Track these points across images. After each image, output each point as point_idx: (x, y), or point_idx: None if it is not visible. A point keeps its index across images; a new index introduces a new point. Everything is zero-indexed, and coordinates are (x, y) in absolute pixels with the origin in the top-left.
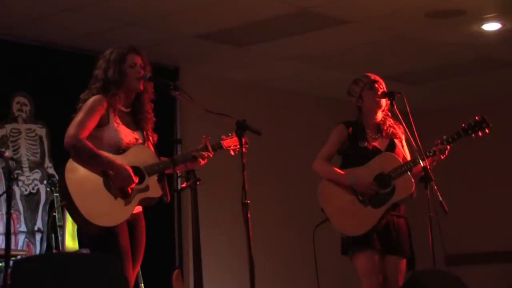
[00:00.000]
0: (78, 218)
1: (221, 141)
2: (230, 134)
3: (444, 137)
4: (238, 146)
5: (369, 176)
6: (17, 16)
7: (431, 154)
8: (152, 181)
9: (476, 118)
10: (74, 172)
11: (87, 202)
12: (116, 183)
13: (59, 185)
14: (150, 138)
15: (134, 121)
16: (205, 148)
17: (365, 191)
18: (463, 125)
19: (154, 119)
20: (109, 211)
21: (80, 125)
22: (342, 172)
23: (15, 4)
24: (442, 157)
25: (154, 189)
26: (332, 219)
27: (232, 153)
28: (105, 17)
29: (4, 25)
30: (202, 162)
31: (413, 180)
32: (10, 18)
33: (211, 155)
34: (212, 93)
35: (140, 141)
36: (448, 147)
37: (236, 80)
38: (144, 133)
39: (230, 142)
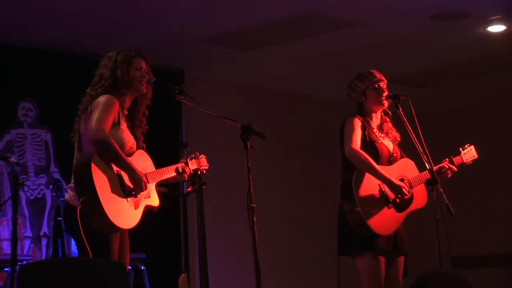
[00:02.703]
0: (98, 214)
1: (188, 165)
2: (193, 156)
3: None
4: (203, 167)
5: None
6: (21, 21)
7: (444, 171)
8: (152, 189)
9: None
10: (100, 169)
11: (109, 200)
12: (129, 187)
13: (80, 179)
14: (141, 144)
15: (131, 126)
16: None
17: (400, 193)
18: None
19: (146, 127)
20: (125, 213)
21: (103, 120)
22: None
23: (18, 9)
24: (456, 170)
25: (153, 197)
26: (363, 212)
27: (199, 172)
28: (110, 21)
29: (8, 30)
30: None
31: (426, 192)
32: (13, 23)
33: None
34: (218, 97)
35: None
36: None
37: (241, 84)
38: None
39: (195, 164)
